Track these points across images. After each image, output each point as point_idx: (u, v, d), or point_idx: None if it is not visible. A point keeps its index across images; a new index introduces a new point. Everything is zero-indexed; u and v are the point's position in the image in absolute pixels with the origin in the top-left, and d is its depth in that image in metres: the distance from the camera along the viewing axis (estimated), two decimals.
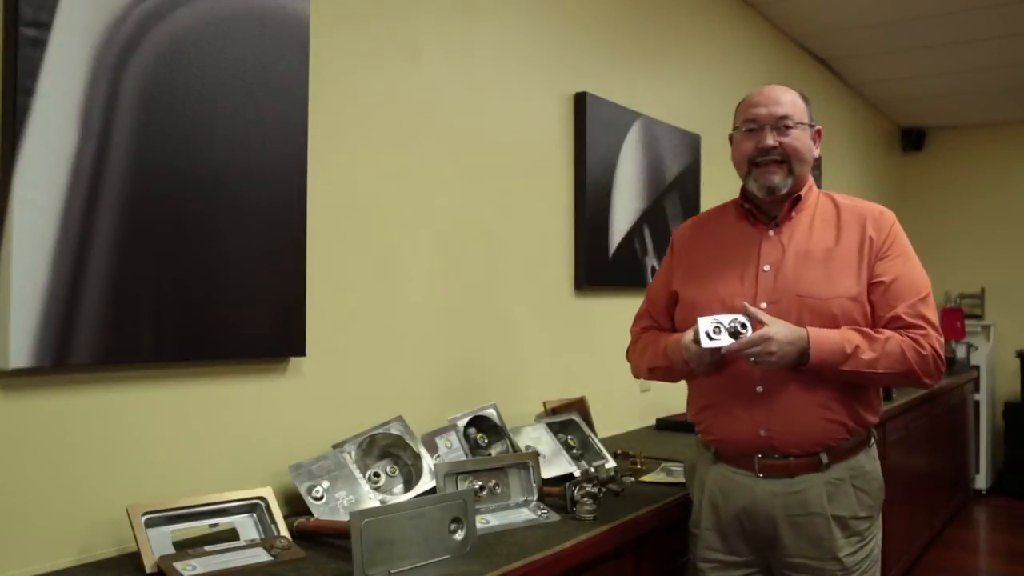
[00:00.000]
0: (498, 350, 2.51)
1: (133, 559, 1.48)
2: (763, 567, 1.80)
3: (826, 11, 4.41)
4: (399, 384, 2.16)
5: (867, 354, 1.66)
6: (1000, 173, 6.74)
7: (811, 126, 1.81)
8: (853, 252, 1.74)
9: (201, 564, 1.43)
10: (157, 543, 1.47)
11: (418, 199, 2.23)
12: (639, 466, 2.34)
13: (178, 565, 1.41)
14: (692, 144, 3.52)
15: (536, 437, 2.26)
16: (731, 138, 1.86)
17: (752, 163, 1.78)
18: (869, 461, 1.80)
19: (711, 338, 1.64)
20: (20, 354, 1.39)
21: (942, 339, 1.74)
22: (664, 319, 1.94)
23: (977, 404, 6.04)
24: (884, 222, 1.78)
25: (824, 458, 1.72)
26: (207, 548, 1.48)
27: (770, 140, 1.76)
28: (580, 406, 2.65)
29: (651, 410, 3.16)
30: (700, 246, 1.90)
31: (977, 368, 6.09)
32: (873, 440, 1.84)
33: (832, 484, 1.73)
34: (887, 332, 1.69)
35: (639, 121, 3.14)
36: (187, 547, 1.49)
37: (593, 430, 2.52)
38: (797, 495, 1.72)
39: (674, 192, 3.35)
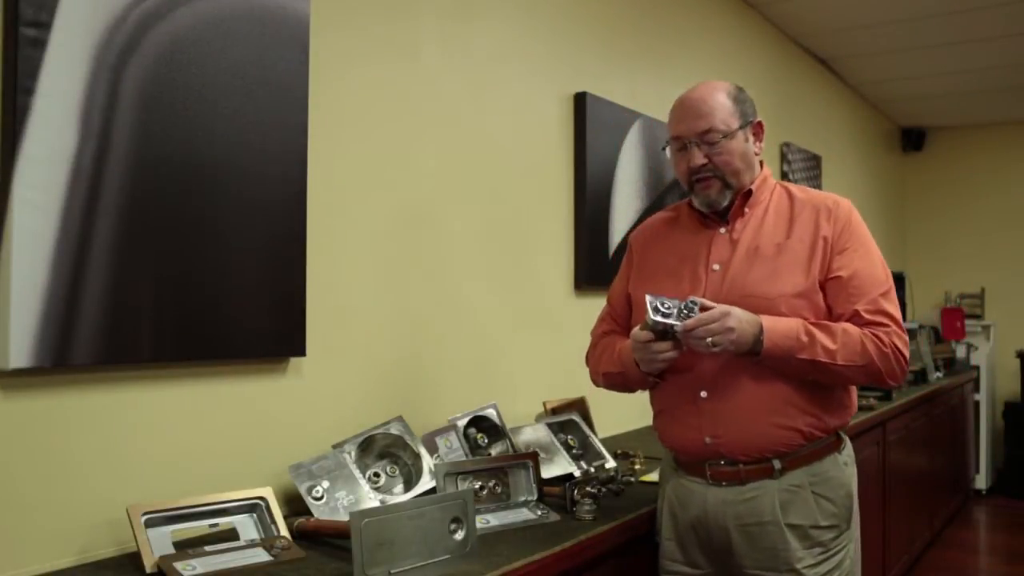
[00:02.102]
0: (498, 350, 2.51)
1: (133, 559, 1.48)
2: None
3: (826, 11, 4.41)
4: (399, 384, 2.16)
5: (824, 343, 1.57)
6: (1000, 173, 6.74)
7: (744, 126, 1.69)
8: (805, 246, 1.66)
9: (201, 564, 1.43)
10: (157, 543, 1.47)
11: (418, 199, 2.23)
12: (639, 466, 2.34)
13: (178, 565, 1.41)
14: None
15: (536, 437, 2.25)
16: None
17: (690, 182, 1.72)
18: (835, 467, 1.69)
19: (662, 313, 1.54)
20: (20, 354, 1.39)
21: (906, 337, 1.65)
22: (625, 323, 1.87)
23: (977, 404, 6.04)
24: (839, 213, 1.69)
25: (777, 464, 1.64)
26: (207, 548, 1.48)
27: (698, 159, 1.67)
28: (580, 406, 2.65)
29: (651, 410, 3.16)
30: (654, 247, 1.84)
31: (977, 368, 6.09)
32: (844, 445, 1.74)
33: (788, 491, 1.64)
34: (845, 324, 1.61)
35: (639, 121, 3.14)
36: (187, 547, 1.49)
37: (593, 430, 2.52)
38: (749, 503, 1.64)
39: (674, 192, 3.35)
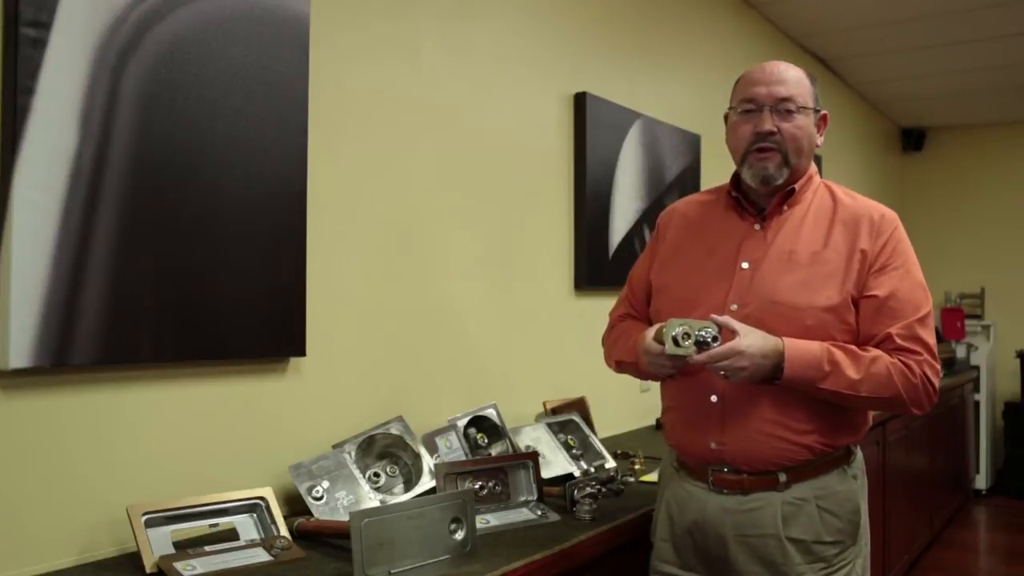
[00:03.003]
0: (498, 350, 2.51)
1: (133, 559, 1.48)
2: None
3: (826, 11, 4.41)
4: (399, 384, 2.16)
5: (849, 373, 1.50)
6: (1000, 173, 6.74)
7: (816, 111, 1.63)
8: (841, 257, 1.57)
9: (201, 564, 1.43)
10: (157, 543, 1.47)
11: (417, 200, 2.23)
12: (639, 466, 2.34)
13: (178, 565, 1.41)
14: (692, 144, 3.52)
15: (536, 437, 2.26)
16: (726, 118, 1.69)
17: (748, 150, 1.61)
18: (843, 481, 1.61)
19: (678, 344, 1.49)
20: (20, 354, 1.39)
21: (938, 366, 1.56)
22: (644, 307, 1.79)
23: (977, 404, 6.04)
24: (883, 227, 1.60)
25: (782, 477, 1.57)
26: (207, 548, 1.48)
27: (768, 124, 1.58)
28: (580, 406, 2.65)
29: (651, 410, 3.16)
30: (683, 233, 1.75)
31: (977, 368, 6.09)
32: (853, 458, 1.66)
33: (792, 504, 1.57)
34: (874, 351, 1.53)
35: (639, 121, 3.14)
36: (187, 547, 1.49)
37: (593, 430, 2.52)
38: (749, 514, 1.58)
39: (674, 192, 3.35)
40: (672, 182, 3.36)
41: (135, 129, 1.55)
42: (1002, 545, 5.15)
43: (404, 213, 2.19)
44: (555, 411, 2.56)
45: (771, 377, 1.52)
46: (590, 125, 2.85)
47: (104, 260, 1.50)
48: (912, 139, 6.96)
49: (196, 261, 1.65)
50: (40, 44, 1.42)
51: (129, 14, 1.54)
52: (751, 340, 1.50)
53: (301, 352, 1.86)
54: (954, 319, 5.93)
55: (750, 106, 1.61)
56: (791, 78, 1.61)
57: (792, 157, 1.61)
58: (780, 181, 1.62)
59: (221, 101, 1.69)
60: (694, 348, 1.50)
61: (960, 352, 5.98)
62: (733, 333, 1.50)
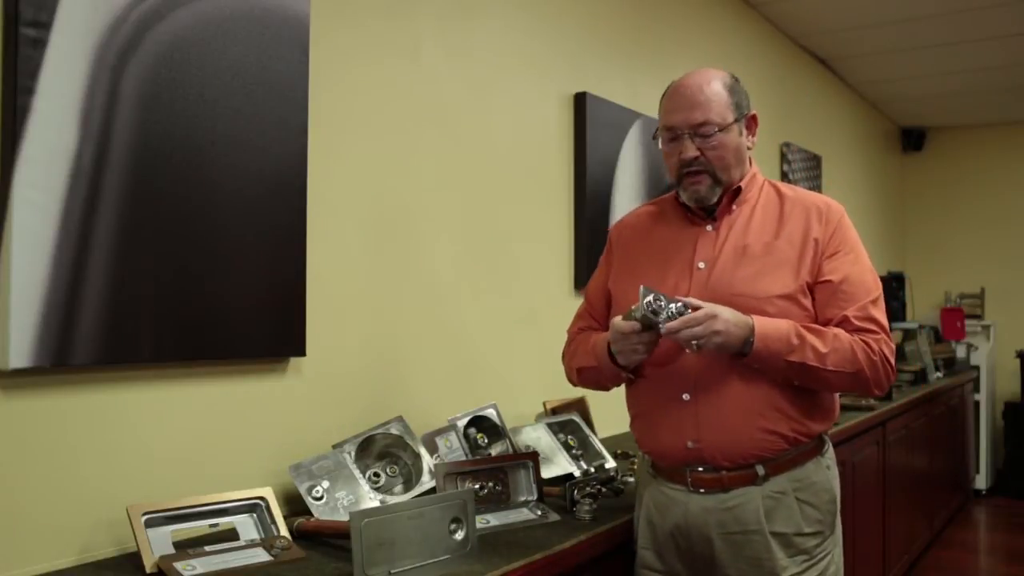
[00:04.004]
0: (498, 350, 2.51)
1: (133, 559, 1.48)
2: None
3: (826, 11, 4.41)
4: (399, 384, 2.16)
5: (816, 346, 1.54)
6: (1000, 173, 6.75)
7: (739, 119, 1.65)
8: (794, 247, 1.62)
9: (201, 564, 1.43)
10: (157, 543, 1.47)
11: (417, 200, 2.23)
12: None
13: (178, 565, 1.41)
14: None
15: (536, 437, 2.26)
16: (656, 137, 1.72)
17: (680, 175, 1.66)
18: (818, 471, 1.65)
19: (656, 314, 1.50)
20: (20, 354, 1.39)
21: (893, 346, 1.62)
22: (604, 320, 1.80)
23: (977, 404, 6.04)
24: (831, 216, 1.65)
25: (760, 470, 1.59)
26: (207, 548, 1.48)
27: (690, 152, 1.61)
28: (580, 406, 2.65)
29: None
30: (636, 243, 1.79)
31: (977, 368, 6.09)
32: (826, 448, 1.71)
33: (772, 498, 1.60)
34: (836, 329, 1.58)
35: (639, 121, 3.14)
36: (187, 547, 1.49)
37: (593, 430, 2.52)
38: (732, 511, 1.60)
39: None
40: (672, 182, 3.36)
41: (135, 129, 1.55)
42: (1002, 545, 5.15)
43: (404, 213, 2.19)
44: (555, 411, 2.56)
45: (740, 350, 1.54)
46: (590, 125, 2.85)
47: (104, 260, 1.50)
48: (912, 139, 6.96)
49: (196, 261, 1.65)
50: (40, 44, 1.42)
51: (129, 14, 1.54)
52: (722, 308, 1.53)
53: (301, 352, 1.86)
54: (954, 319, 5.93)
55: (671, 134, 1.65)
56: (707, 98, 1.61)
57: (721, 175, 1.64)
58: (715, 199, 1.67)
59: (221, 101, 1.69)
60: (665, 320, 1.51)
61: (960, 352, 5.98)
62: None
